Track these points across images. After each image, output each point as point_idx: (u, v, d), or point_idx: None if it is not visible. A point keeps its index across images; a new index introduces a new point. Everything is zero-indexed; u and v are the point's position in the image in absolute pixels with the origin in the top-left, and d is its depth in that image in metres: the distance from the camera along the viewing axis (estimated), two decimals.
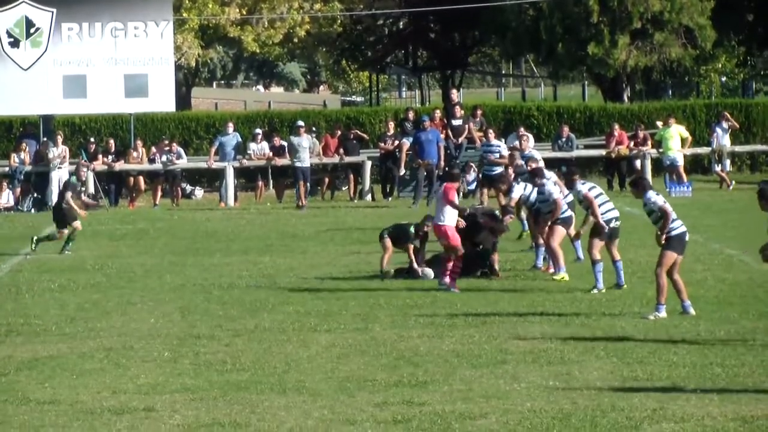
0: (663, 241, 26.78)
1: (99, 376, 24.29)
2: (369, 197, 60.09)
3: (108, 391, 22.84)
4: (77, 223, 42.73)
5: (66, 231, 42.51)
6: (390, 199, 61.08)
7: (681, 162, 60.07)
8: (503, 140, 55.23)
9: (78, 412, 21.33)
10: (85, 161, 61.50)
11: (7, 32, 62.83)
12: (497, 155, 47.47)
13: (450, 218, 32.82)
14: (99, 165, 61.47)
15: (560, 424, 19.64)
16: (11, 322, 30.20)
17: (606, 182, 60.71)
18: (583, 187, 32.82)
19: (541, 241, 35.14)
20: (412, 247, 35.48)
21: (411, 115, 64.88)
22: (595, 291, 31.94)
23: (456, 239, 32.63)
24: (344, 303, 31.72)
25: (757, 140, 63.78)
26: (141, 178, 60.16)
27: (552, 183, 35.12)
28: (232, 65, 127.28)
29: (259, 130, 64.13)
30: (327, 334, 27.91)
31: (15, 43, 63.15)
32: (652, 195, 26.86)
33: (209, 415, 20.85)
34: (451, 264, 32.53)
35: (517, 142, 48.31)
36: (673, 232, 26.80)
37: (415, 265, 35.70)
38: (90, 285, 36.49)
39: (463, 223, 33.23)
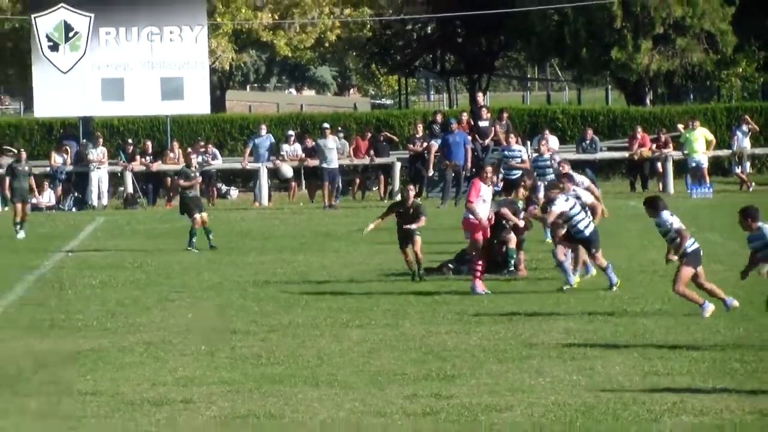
0: (674, 259, 26.37)
1: (139, 369, 24.39)
2: (399, 197, 60.18)
3: (147, 384, 22.95)
4: (204, 215, 43.03)
5: (197, 218, 42.55)
6: (419, 199, 61.14)
7: (705, 164, 60.06)
8: (528, 143, 55.30)
9: (119, 403, 21.45)
10: (123, 162, 61.71)
11: (47, 36, 62.94)
12: (518, 160, 47.44)
13: (482, 212, 32.42)
14: (137, 166, 61.63)
15: (583, 416, 19.70)
16: (54, 317, 30.30)
17: (629, 184, 60.71)
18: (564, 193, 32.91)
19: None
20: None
21: (439, 117, 64.82)
22: (567, 287, 32.12)
23: (478, 234, 32.30)
24: (375, 300, 31.73)
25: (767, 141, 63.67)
26: (178, 178, 60.35)
27: (582, 190, 35.04)
28: (265, 69, 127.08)
29: (291, 132, 64.24)
30: (358, 329, 27.96)
31: (54, 47, 63.24)
32: (667, 216, 26.18)
33: (245, 406, 20.94)
34: (475, 264, 32.36)
35: (542, 145, 48.29)
36: (689, 249, 26.20)
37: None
38: (129, 281, 36.56)
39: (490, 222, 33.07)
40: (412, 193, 37.09)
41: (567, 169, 40.76)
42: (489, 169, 34.68)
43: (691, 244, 26.14)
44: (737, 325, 27.01)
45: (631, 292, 31.62)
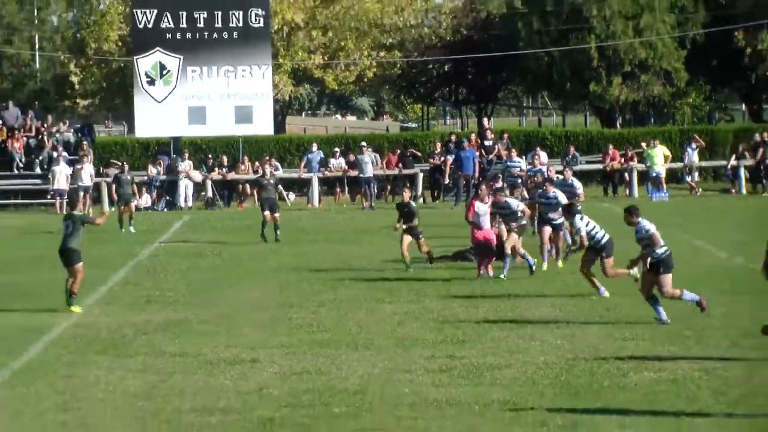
0: (647, 266, 24.07)
1: (216, 336, 24.45)
2: (421, 200, 59.94)
3: (223, 347, 23.03)
4: (276, 215, 42.88)
5: (267, 214, 42.62)
6: (437, 201, 61.01)
7: (663, 174, 60.03)
8: (524, 157, 55.31)
9: (201, 362, 21.55)
10: (205, 173, 61.82)
11: (146, 73, 63.06)
12: (518, 169, 47.33)
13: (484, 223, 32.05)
14: (215, 175, 61.62)
15: (566, 373, 19.77)
16: (149, 294, 30.35)
17: (603, 189, 60.70)
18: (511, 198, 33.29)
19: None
20: None
21: (453, 137, 64.68)
22: (502, 276, 31.56)
23: (479, 236, 31.89)
24: (403, 282, 31.74)
25: (719, 157, 63.49)
26: (248, 186, 60.16)
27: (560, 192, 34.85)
28: (316, 99, 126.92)
29: (337, 149, 64.19)
30: (389, 304, 27.96)
31: (151, 82, 63.35)
32: (645, 223, 24.08)
33: (299, 365, 21.05)
34: (480, 258, 32.25)
35: (536, 159, 48.25)
36: (664, 255, 24.02)
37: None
38: (209, 266, 36.60)
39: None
40: (406, 194, 36.93)
41: (551, 174, 40.99)
42: (484, 188, 34.41)
43: (664, 250, 24.09)
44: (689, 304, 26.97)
45: (602, 277, 31.55)
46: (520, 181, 44.62)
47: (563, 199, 33.62)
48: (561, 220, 32.85)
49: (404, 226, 34.18)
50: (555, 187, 34.75)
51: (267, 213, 42.76)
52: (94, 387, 19.96)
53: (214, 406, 18.30)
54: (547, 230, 33.49)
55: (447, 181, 60.31)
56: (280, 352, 22.37)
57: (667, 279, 23.45)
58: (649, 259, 23.85)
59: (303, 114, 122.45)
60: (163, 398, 18.92)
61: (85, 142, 64.76)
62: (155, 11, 64.50)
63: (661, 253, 23.86)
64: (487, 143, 62.40)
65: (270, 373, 20.66)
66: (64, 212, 40.09)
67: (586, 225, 27.83)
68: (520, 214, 31.69)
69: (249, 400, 18.64)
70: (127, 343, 23.94)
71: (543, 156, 59.62)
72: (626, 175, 62.17)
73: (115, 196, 51.43)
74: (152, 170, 61.89)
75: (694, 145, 62.48)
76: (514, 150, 57.04)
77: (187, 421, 17.51)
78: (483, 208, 31.75)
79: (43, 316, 26.97)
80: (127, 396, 19.25)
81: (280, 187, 49.88)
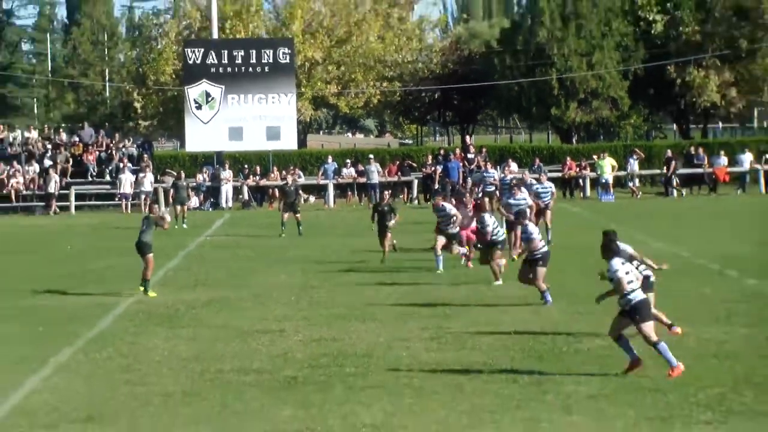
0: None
1: (250, 311, 24.42)
2: (416, 202, 59.94)
3: (256, 320, 23.00)
4: (298, 215, 42.92)
5: (285, 215, 42.60)
6: (428, 202, 60.97)
7: (611, 180, 60.02)
8: (498, 168, 55.24)
9: (238, 332, 21.53)
10: (241, 179, 61.83)
11: (194, 100, 63.14)
12: (492, 178, 47.06)
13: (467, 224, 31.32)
14: (250, 182, 61.62)
15: (533, 340, 19.77)
16: (198, 278, 30.28)
17: (562, 193, 60.70)
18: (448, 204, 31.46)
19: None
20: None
21: (442, 151, 64.62)
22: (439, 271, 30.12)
23: (461, 233, 31.19)
24: (401, 268, 31.67)
25: (654, 167, 63.42)
26: (276, 190, 60.11)
27: (529, 196, 34.57)
28: (331, 120, 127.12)
29: (348, 161, 64.14)
30: (390, 286, 27.81)
31: (199, 107, 63.41)
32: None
33: (318, 334, 21.06)
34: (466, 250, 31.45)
35: (507, 168, 48.10)
36: (638, 300, 17.13)
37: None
38: (245, 256, 36.43)
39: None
40: (386, 196, 36.77)
41: (523, 177, 40.89)
42: (467, 196, 34.43)
43: (638, 295, 17.28)
44: None
45: (559, 266, 31.39)
46: (494, 188, 44.32)
47: (530, 201, 33.50)
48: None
49: (388, 224, 33.93)
50: (528, 190, 34.52)
51: (286, 215, 42.69)
52: (153, 352, 20.01)
53: (249, 367, 18.33)
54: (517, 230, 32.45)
55: (436, 186, 60.12)
56: (303, 324, 22.38)
57: (623, 324, 17.63)
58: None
59: (320, 132, 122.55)
60: (208, 361, 18.94)
61: (145, 155, 65.00)
62: (202, 50, 64.70)
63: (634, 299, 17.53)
64: (469, 156, 62.53)
65: (294, 340, 20.69)
66: (143, 213, 40.30)
67: (493, 224, 27.58)
68: (453, 219, 30.24)
69: (277, 362, 18.65)
70: (179, 316, 23.97)
71: (513, 166, 59.57)
72: (581, 181, 62.30)
73: (171, 199, 51.75)
74: (200, 177, 61.93)
75: (634, 157, 62.49)
76: (489, 163, 56.97)
77: (227, 379, 17.53)
78: (465, 211, 31.52)
79: (112, 296, 26.98)
80: (179, 359, 19.28)
81: (300, 191, 49.78)
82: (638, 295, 17.08)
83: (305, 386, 16.90)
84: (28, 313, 22.71)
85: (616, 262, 17.34)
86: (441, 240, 30.02)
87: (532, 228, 25.60)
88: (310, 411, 15.39)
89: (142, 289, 26.72)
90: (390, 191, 44.16)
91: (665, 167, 61.67)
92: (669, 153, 62.56)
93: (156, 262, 28.23)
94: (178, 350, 20.11)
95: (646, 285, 18.07)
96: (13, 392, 17.07)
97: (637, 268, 17.87)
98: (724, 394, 15.64)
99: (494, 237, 27.62)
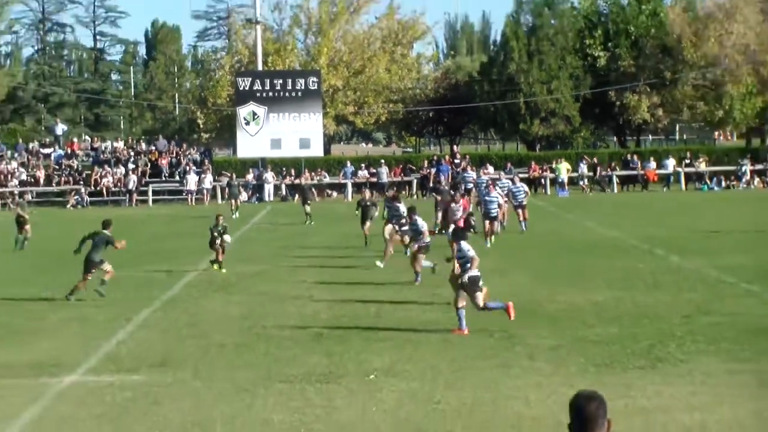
0: (465, 281, 17.22)
1: (286, 280, 24.36)
2: (415, 197, 59.98)
3: (291, 287, 22.93)
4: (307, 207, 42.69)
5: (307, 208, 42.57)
6: (425, 197, 61.05)
7: (566, 180, 59.99)
8: (476, 171, 54.97)
9: (277, 297, 21.58)
10: (280, 180, 61.85)
11: (244, 118, 63.27)
12: (470, 178, 46.71)
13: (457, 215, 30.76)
14: (287, 181, 61.59)
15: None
16: (247, 255, 30.00)
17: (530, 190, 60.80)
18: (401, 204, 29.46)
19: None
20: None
21: (435, 158, 64.88)
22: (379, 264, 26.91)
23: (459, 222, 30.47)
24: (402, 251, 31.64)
25: (599, 170, 63.31)
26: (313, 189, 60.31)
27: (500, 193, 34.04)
28: (350, 134, 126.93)
29: (363, 165, 64.34)
30: (394, 261, 27.80)
31: (247, 123, 63.50)
32: (465, 245, 17.84)
33: (339, 298, 21.00)
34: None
35: (483, 170, 48.05)
36: (477, 275, 17.26)
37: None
38: (283, 237, 36.36)
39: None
40: (367, 192, 36.34)
41: (499, 177, 40.78)
42: (457, 195, 33.33)
43: (477, 271, 17.48)
44: (554, 263, 26.80)
45: (526, 246, 31.32)
46: (472, 186, 44.01)
47: (500, 199, 33.24)
48: (496, 214, 31.91)
49: (371, 217, 32.70)
50: (501, 188, 34.25)
51: (306, 207, 42.62)
52: (211, 312, 20.04)
53: (285, 324, 18.34)
54: (489, 221, 31.65)
55: (431, 184, 60.21)
56: (327, 289, 22.36)
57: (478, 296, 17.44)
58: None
59: (341, 143, 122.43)
60: (254, 319, 18.95)
61: (206, 160, 65.01)
62: (250, 79, 64.87)
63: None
64: (456, 161, 62.47)
65: (320, 303, 20.67)
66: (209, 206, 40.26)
67: (421, 227, 24.24)
68: (404, 219, 27.33)
69: (307, 320, 18.65)
70: (232, 285, 23.96)
71: (490, 168, 60.02)
72: (543, 180, 62.20)
73: (226, 195, 51.97)
74: (248, 177, 61.97)
75: (584, 162, 62.54)
76: (470, 167, 56.84)
77: (269, 333, 17.54)
78: (455, 206, 31.30)
79: (182, 269, 26.98)
80: (231, 318, 19.30)
81: (313, 189, 49.66)
82: (475, 272, 17.31)
83: (329, 339, 16.91)
84: (116, 282, 22.68)
85: (465, 245, 17.73)
86: (420, 259, 23.93)
87: (421, 222, 24.25)
88: (333, 358, 15.40)
89: (216, 267, 26.48)
90: (395, 187, 43.91)
91: (593, 171, 62.04)
92: (595, 160, 63.34)
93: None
94: (231, 311, 20.13)
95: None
96: (106, 343, 17.12)
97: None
98: (653, 345, 15.64)
99: (423, 240, 23.84)
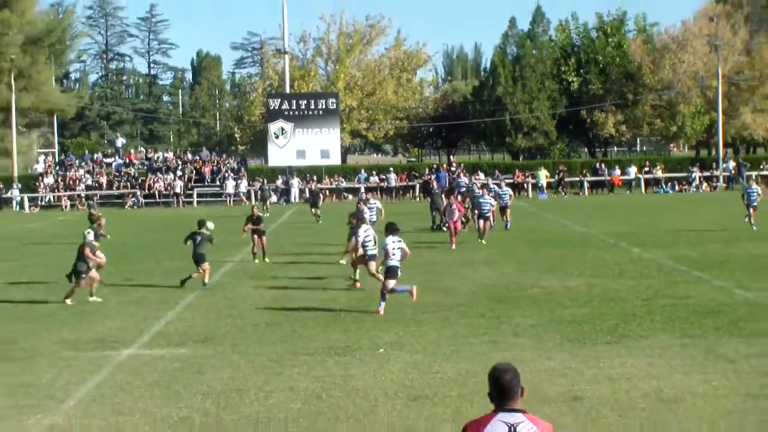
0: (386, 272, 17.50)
1: (309, 270, 24.23)
2: (418, 199, 59.87)
3: (313, 276, 22.81)
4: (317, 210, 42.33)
5: (315, 209, 42.11)
6: (427, 200, 60.88)
7: (545, 185, 60.00)
8: (468, 177, 54.81)
9: (302, 283, 21.51)
10: (304, 184, 61.80)
11: (274, 133, 63.25)
12: (463, 183, 46.61)
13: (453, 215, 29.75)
14: (310, 186, 61.62)
15: (493, 288, 19.64)
16: (276, 248, 29.86)
17: (514, 194, 60.71)
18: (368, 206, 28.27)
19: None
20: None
21: (434, 166, 64.80)
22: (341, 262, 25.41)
23: (449, 223, 29.70)
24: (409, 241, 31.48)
25: (573, 176, 63.21)
26: (327, 192, 60.23)
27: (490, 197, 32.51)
28: (363, 145, 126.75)
29: (374, 172, 64.35)
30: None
31: (277, 137, 63.44)
32: (390, 239, 17.56)
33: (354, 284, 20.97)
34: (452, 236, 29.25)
35: (474, 177, 47.88)
36: (396, 265, 17.22)
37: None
38: (307, 234, 36.22)
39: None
40: (320, 197, 35.79)
41: (487, 183, 40.56)
42: (452, 198, 31.77)
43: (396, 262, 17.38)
44: (507, 255, 26.70)
45: (511, 240, 31.14)
46: (465, 189, 43.65)
47: (493, 201, 32.88)
48: (489, 214, 31.18)
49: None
50: (490, 192, 34.05)
51: (313, 209, 42.33)
52: (247, 297, 20.00)
53: (309, 306, 18.29)
54: (483, 220, 31.03)
55: (433, 188, 60.23)
56: (343, 278, 22.26)
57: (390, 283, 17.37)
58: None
59: (356, 153, 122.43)
60: (283, 302, 18.94)
61: (242, 168, 65.10)
62: (279, 99, 64.84)
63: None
64: (452, 169, 62.41)
65: (338, 289, 20.64)
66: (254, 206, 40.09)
67: (365, 237, 20.60)
68: (374, 218, 25.79)
69: (327, 304, 18.60)
70: (264, 273, 23.90)
71: (481, 175, 59.89)
72: (525, 185, 62.04)
73: (259, 197, 52.07)
74: (277, 182, 61.99)
75: (560, 170, 62.46)
76: (463, 173, 56.71)
77: (295, 314, 17.50)
78: (451, 207, 31.04)
79: (221, 260, 26.95)
80: (263, 301, 19.27)
81: (320, 193, 49.25)
82: (392, 263, 17.39)
83: (346, 319, 16.88)
84: (168, 271, 22.73)
85: (390, 239, 17.71)
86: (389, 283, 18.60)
87: (361, 232, 20.88)
88: (349, 334, 15.38)
89: (257, 260, 26.17)
90: (364, 193, 43.90)
91: (558, 177, 62.02)
92: (561, 167, 63.08)
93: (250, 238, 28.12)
94: (263, 295, 20.08)
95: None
96: (157, 322, 17.12)
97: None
98: (618, 324, 15.59)
99: (366, 249, 20.51)
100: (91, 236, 20.41)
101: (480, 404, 10.65)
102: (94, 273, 19.79)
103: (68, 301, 19.46)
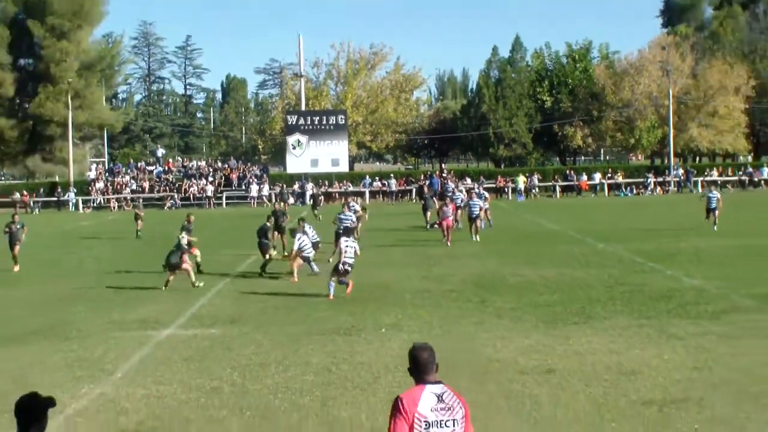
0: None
1: (322, 261, 24.24)
2: (414, 201, 59.64)
3: (330, 260, 22.81)
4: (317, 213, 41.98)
5: (315, 211, 41.45)
6: (420, 201, 60.82)
7: (522, 188, 59.83)
8: (456, 182, 54.63)
9: (323, 266, 21.42)
10: (317, 188, 61.73)
11: (291, 144, 62.91)
12: (451, 188, 46.26)
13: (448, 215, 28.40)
14: (322, 189, 61.45)
15: (482, 278, 19.58)
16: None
17: (496, 196, 60.43)
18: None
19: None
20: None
21: (428, 173, 64.70)
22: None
23: (443, 223, 28.35)
24: (409, 237, 31.46)
25: (546, 181, 63.05)
26: (336, 194, 60.12)
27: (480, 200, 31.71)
28: (367, 155, 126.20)
29: (377, 177, 64.19)
30: (400, 248, 27.54)
31: (294, 148, 63.11)
32: (344, 240, 17.93)
33: (360, 273, 20.75)
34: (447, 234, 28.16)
35: (461, 182, 47.69)
36: (349, 263, 17.55)
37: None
38: (322, 227, 36.14)
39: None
40: (320, 200, 35.40)
41: (475, 189, 40.28)
42: (447, 200, 30.76)
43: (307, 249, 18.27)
44: (491, 249, 26.58)
45: (494, 237, 30.99)
46: (451, 193, 43.15)
47: (481, 203, 32.30)
48: (478, 214, 30.11)
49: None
50: (477, 196, 33.61)
51: (315, 211, 41.08)
52: (268, 284, 19.97)
53: (320, 293, 18.15)
54: (473, 222, 30.12)
55: (425, 192, 60.06)
56: (359, 264, 22.22)
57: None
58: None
59: (361, 162, 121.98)
60: (299, 289, 18.87)
61: (264, 175, 64.95)
62: (296, 116, 64.48)
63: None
64: (443, 175, 62.19)
65: (354, 274, 20.58)
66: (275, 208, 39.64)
67: (299, 242, 20.76)
68: (351, 221, 25.36)
69: (337, 291, 18.52)
70: (284, 263, 23.81)
71: (468, 180, 59.65)
72: (506, 189, 61.84)
73: (278, 199, 51.92)
74: (294, 187, 61.82)
75: (535, 177, 62.32)
76: (451, 179, 56.44)
77: (309, 299, 17.48)
78: (445, 207, 30.66)
79: (246, 253, 26.89)
80: (283, 287, 19.20)
81: (321, 196, 48.76)
82: (346, 259, 17.49)
83: (352, 303, 16.84)
84: (204, 262, 22.69)
85: (347, 240, 17.83)
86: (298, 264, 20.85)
87: (296, 241, 20.78)
88: (355, 316, 15.35)
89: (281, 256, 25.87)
90: (353, 199, 43.49)
91: (527, 182, 61.73)
92: (532, 175, 62.68)
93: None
94: (282, 284, 20.03)
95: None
96: (191, 306, 17.09)
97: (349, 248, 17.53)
98: (584, 307, 15.56)
99: (302, 251, 20.65)
100: (184, 240, 20.01)
101: (465, 376, 10.66)
102: (186, 264, 19.68)
103: (164, 288, 19.24)
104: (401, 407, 5.22)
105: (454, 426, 5.24)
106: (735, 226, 30.64)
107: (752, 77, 68.51)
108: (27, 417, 4.85)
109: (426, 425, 5.19)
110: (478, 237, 29.68)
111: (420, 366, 5.39)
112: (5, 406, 10.35)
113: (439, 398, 5.28)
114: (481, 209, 30.94)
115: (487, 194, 37.33)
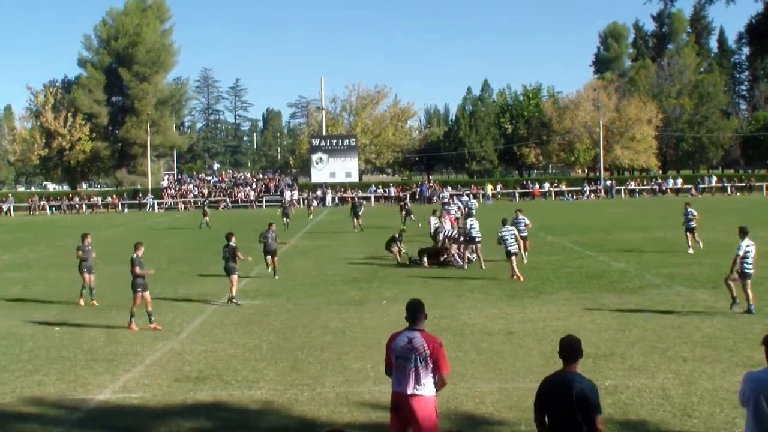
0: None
1: (338, 250, 23.67)
2: (408, 204, 59.07)
3: (339, 254, 22.36)
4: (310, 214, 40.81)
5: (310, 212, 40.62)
6: (413, 205, 60.27)
7: (490, 194, 59.35)
8: (440, 190, 54.30)
9: (332, 259, 21.09)
10: (335, 194, 61.26)
11: (315, 160, 62.57)
12: (445, 197, 45.83)
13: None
14: (338, 195, 61.09)
15: (495, 280, 19.34)
16: (316, 236, 29.41)
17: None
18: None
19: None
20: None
21: (419, 182, 64.39)
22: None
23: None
24: (410, 233, 31.01)
25: (508, 188, 62.71)
26: (349, 198, 59.71)
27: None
28: (373, 169, 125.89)
29: (380, 186, 63.88)
30: (404, 245, 27.27)
31: (317, 163, 62.98)
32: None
33: (368, 259, 20.62)
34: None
35: (445, 190, 47.14)
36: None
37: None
38: (336, 225, 35.59)
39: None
40: (351, 198, 34.11)
41: (455, 194, 39.54)
42: (443, 207, 26.99)
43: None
44: None
45: None
46: (448, 204, 41.11)
47: (460, 204, 30.07)
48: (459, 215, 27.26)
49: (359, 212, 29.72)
50: (461, 200, 32.55)
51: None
52: (296, 268, 19.74)
53: (337, 273, 18.11)
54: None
55: (417, 198, 59.75)
56: (361, 256, 22.03)
57: None
58: None
59: (368, 174, 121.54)
60: (321, 270, 18.73)
61: (294, 183, 64.67)
62: (319, 139, 64.32)
63: None
64: (430, 184, 61.79)
65: (358, 262, 20.45)
66: (308, 213, 38.93)
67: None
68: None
69: (349, 272, 18.42)
70: (308, 252, 23.65)
71: (449, 188, 59.15)
72: (479, 194, 61.38)
73: (305, 203, 51.46)
74: (318, 193, 61.44)
75: (498, 186, 61.90)
76: (436, 187, 55.91)
77: (328, 278, 17.35)
78: (443, 219, 27.79)
79: (283, 242, 26.71)
80: (307, 270, 19.05)
81: (316, 200, 47.39)
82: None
83: (360, 281, 16.78)
84: (245, 250, 22.52)
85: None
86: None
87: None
88: (362, 292, 15.29)
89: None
90: (407, 195, 42.37)
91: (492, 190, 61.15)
92: (494, 185, 61.51)
93: (300, 229, 27.69)
94: (307, 267, 19.86)
95: None
96: (239, 284, 16.98)
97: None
98: (537, 284, 15.51)
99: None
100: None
101: (447, 336, 10.60)
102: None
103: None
104: (387, 342, 5.79)
105: (416, 362, 5.54)
106: (648, 222, 30.53)
107: (660, 112, 69.36)
108: None
109: (395, 357, 5.66)
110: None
111: (408, 315, 5.71)
112: (97, 356, 10.27)
113: (410, 340, 5.60)
114: (458, 213, 26.71)
115: (466, 200, 32.39)
